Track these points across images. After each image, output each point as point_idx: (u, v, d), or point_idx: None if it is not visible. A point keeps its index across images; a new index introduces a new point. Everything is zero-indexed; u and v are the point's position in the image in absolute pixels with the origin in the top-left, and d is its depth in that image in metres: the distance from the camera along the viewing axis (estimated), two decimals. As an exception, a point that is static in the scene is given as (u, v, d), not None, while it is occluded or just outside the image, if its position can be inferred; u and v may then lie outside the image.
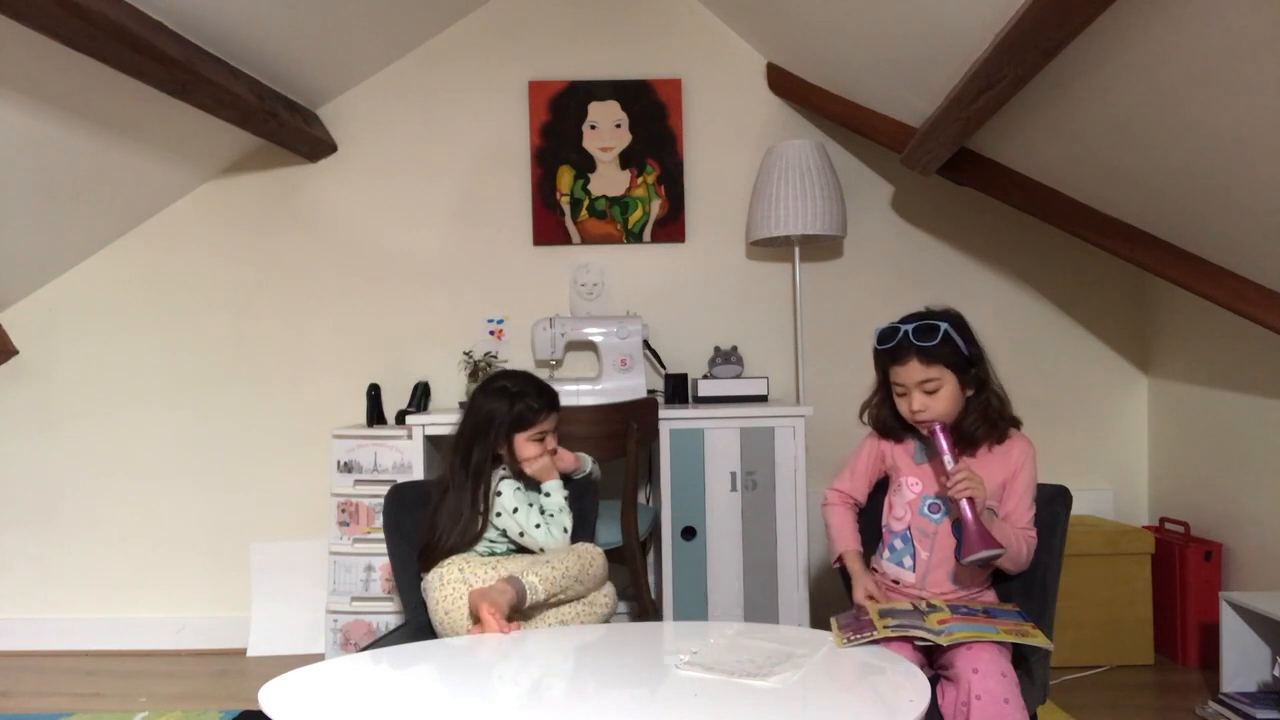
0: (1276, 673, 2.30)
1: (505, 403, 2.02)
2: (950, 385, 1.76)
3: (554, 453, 2.06)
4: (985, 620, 1.61)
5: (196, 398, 3.37)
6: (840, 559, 1.90)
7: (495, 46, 3.39)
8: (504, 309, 3.36)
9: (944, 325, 1.75)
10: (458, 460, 2.01)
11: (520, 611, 1.85)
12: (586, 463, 2.18)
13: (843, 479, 1.96)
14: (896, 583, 1.84)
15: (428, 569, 1.95)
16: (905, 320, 1.80)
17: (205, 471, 3.36)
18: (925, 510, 1.82)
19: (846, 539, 1.91)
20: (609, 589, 2.02)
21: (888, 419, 1.89)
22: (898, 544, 1.85)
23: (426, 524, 1.99)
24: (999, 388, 1.82)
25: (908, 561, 1.83)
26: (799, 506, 2.78)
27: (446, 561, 1.94)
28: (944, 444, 1.73)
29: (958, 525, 1.73)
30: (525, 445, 2.02)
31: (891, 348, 1.79)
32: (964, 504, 1.66)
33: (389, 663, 1.60)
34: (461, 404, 3.09)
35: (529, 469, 2.02)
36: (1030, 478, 1.79)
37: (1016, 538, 1.73)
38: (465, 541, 1.96)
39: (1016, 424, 1.83)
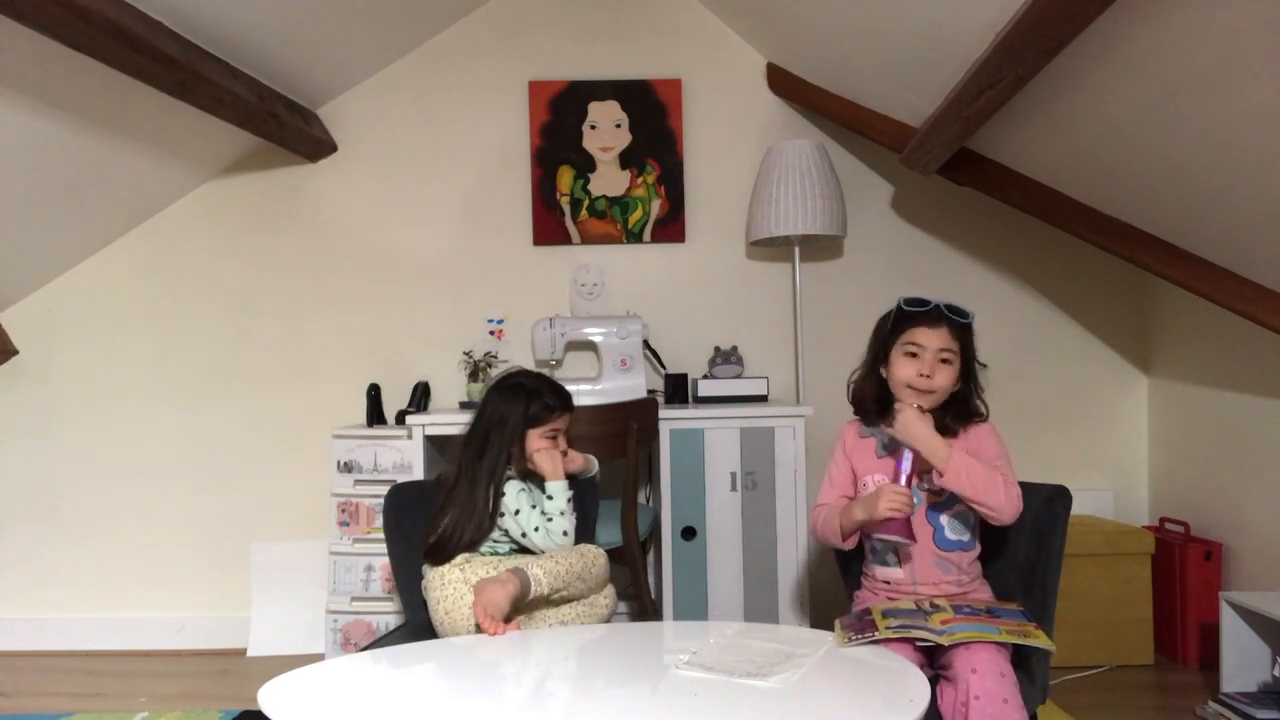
0: (1276, 673, 2.30)
1: (521, 399, 2.02)
2: (956, 368, 1.82)
3: (564, 454, 2.07)
4: (988, 620, 1.61)
5: (196, 398, 3.37)
6: (856, 529, 1.82)
7: (495, 46, 3.40)
8: (504, 309, 3.36)
9: (972, 314, 1.84)
10: (472, 455, 2.01)
11: (522, 607, 1.85)
12: (594, 465, 2.19)
13: (824, 493, 1.95)
14: (888, 583, 1.84)
15: (437, 565, 1.95)
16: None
17: (205, 471, 3.36)
18: None
19: (839, 510, 1.87)
20: (609, 590, 2.02)
21: (869, 395, 1.91)
22: (877, 544, 1.85)
23: (432, 520, 1.99)
24: (981, 392, 1.88)
25: (891, 559, 1.84)
26: (799, 506, 2.78)
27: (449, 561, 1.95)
28: (905, 464, 1.75)
29: (933, 511, 1.81)
30: (536, 440, 2.03)
31: (926, 311, 1.83)
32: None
33: (389, 663, 1.60)
34: (462, 404, 3.10)
35: (537, 458, 2.02)
36: (998, 448, 1.82)
37: (990, 473, 1.71)
38: (478, 539, 1.96)
39: (983, 416, 1.87)
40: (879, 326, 1.92)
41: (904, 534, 1.72)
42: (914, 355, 1.82)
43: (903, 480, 1.74)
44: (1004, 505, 1.71)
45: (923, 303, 1.84)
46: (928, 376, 1.79)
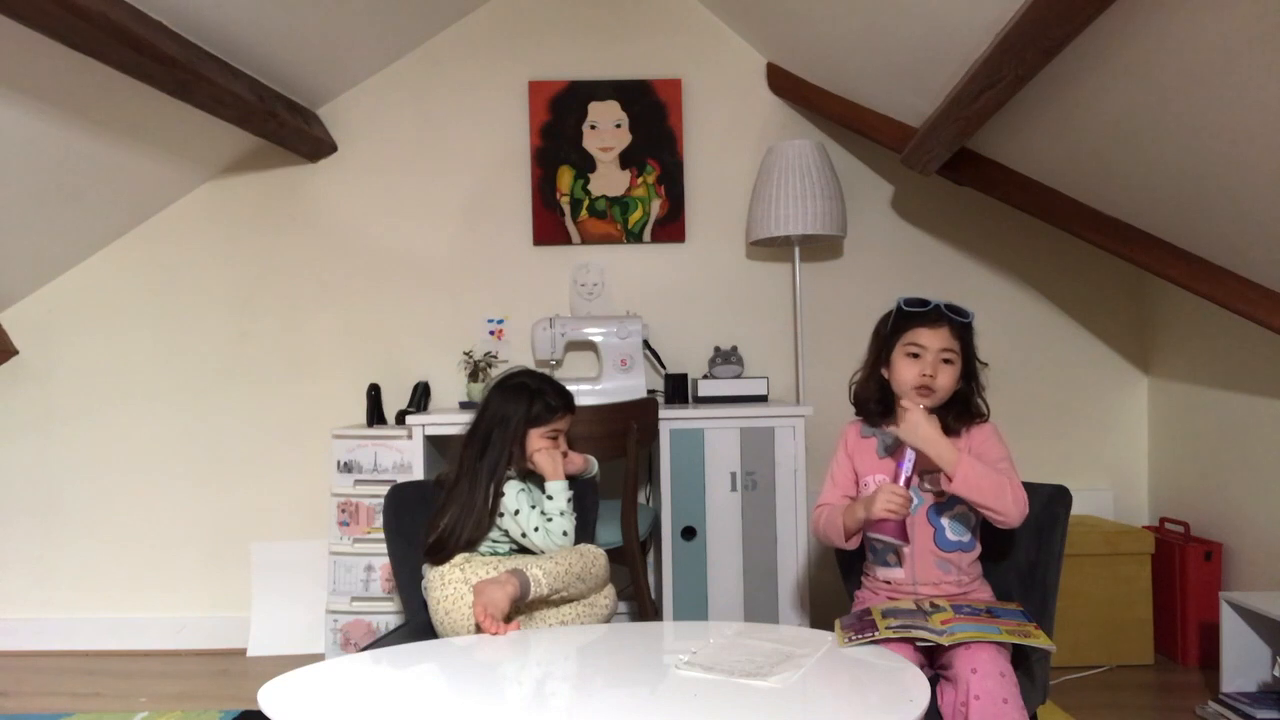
0: (1276, 673, 2.30)
1: (524, 398, 2.03)
2: (958, 367, 1.82)
3: (565, 455, 2.07)
4: (988, 620, 1.61)
5: (196, 397, 3.37)
6: (859, 528, 1.82)
7: (495, 46, 3.40)
8: (504, 309, 3.36)
9: (972, 313, 1.84)
10: (473, 454, 2.01)
11: (522, 608, 1.85)
12: (593, 466, 2.19)
13: (826, 493, 1.94)
14: (888, 583, 1.84)
15: (438, 564, 1.95)
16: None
17: (205, 471, 3.36)
18: None
19: (841, 509, 1.87)
20: (609, 590, 2.02)
21: (872, 396, 1.91)
22: (878, 544, 1.85)
23: (432, 519, 1.99)
24: (982, 391, 1.88)
25: (892, 559, 1.83)
26: (799, 506, 2.78)
27: (449, 561, 1.95)
28: (906, 465, 1.75)
29: (934, 511, 1.81)
30: (537, 439, 2.03)
31: (927, 311, 1.83)
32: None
33: (389, 663, 1.60)
34: (462, 404, 3.10)
35: (538, 458, 2.02)
36: (1001, 450, 1.82)
37: (997, 478, 1.71)
38: (478, 537, 1.97)
39: (984, 416, 1.87)
40: (879, 327, 1.91)
41: (897, 535, 1.72)
42: (915, 356, 1.81)
43: (902, 481, 1.74)
44: (1010, 510, 1.71)
45: (923, 303, 1.84)
46: (930, 376, 1.78)
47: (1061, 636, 2.63)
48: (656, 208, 3.37)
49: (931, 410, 1.80)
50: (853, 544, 1.86)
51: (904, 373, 1.82)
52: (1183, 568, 2.87)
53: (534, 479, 2.06)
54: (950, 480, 1.71)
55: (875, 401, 1.90)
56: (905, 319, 1.85)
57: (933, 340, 1.80)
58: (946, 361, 1.80)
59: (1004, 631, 1.56)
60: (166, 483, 3.36)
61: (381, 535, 2.33)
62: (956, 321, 1.82)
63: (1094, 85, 2.16)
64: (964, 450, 1.77)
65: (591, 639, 1.75)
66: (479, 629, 1.77)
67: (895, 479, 1.75)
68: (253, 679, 2.91)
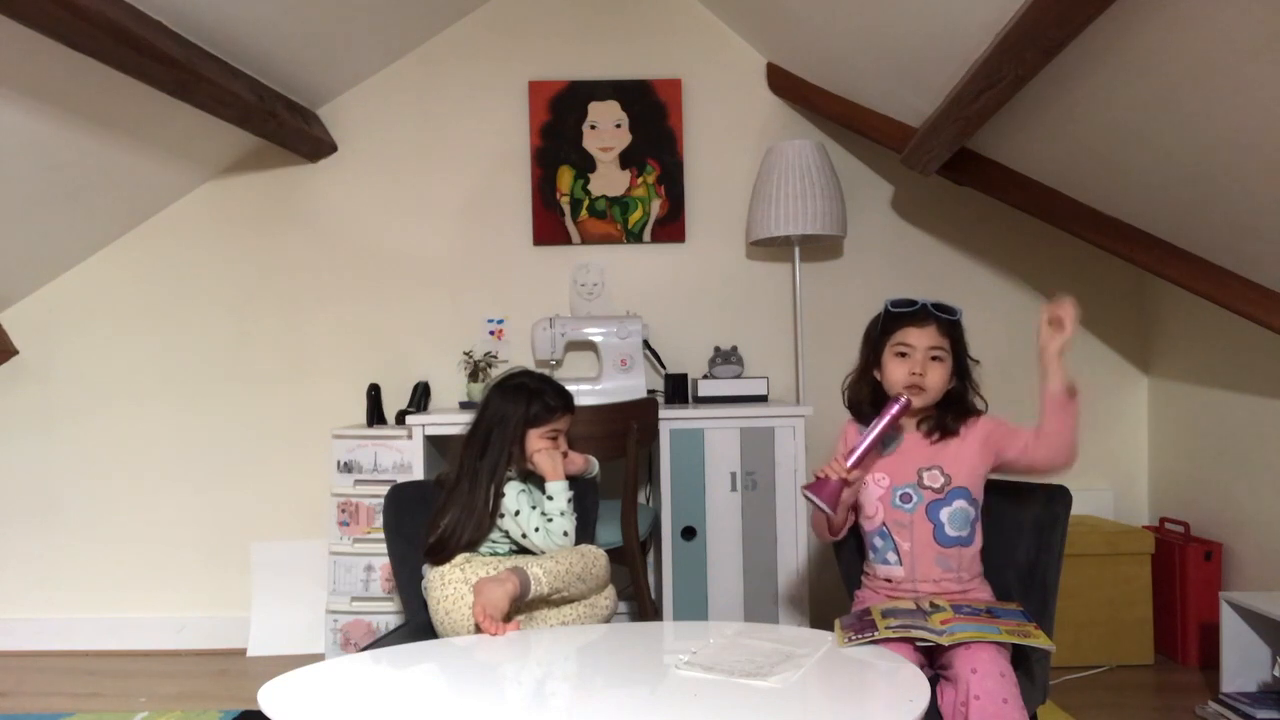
0: (1276, 673, 2.30)
1: (523, 399, 2.03)
2: (948, 365, 1.83)
3: (565, 455, 2.07)
4: (988, 620, 1.61)
5: (196, 397, 3.37)
6: (842, 519, 1.87)
7: (495, 46, 3.40)
8: (504, 309, 3.36)
9: (960, 310, 1.86)
10: (473, 454, 2.01)
11: (522, 607, 1.85)
12: (594, 466, 2.19)
13: None
14: (888, 581, 1.85)
15: (438, 564, 1.95)
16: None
17: (205, 471, 3.36)
18: (897, 501, 1.83)
19: None
20: (610, 590, 2.02)
21: (865, 398, 1.92)
22: (878, 542, 1.86)
23: (432, 519, 1.99)
24: (978, 388, 1.89)
25: (892, 557, 1.84)
26: (799, 506, 2.78)
27: (449, 561, 1.95)
28: (884, 420, 1.77)
29: (933, 508, 1.81)
30: (537, 440, 2.03)
31: (914, 311, 1.84)
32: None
33: (389, 663, 1.60)
34: (462, 404, 3.10)
35: (538, 458, 2.02)
36: (1014, 425, 1.83)
37: (1062, 427, 1.73)
38: (478, 537, 1.97)
39: (980, 411, 1.89)
40: (869, 330, 1.94)
41: (827, 500, 1.75)
42: (904, 355, 1.83)
43: (858, 454, 1.76)
44: (1069, 451, 1.73)
45: (909, 303, 1.86)
46: (919, 375, 1.80)
47: (1061, 636, 2.63)
48: (656, 208, 3.37)
49: (925, 407, 1.83)
50: (841, 532, 1.91)
51: (894, 373, 1.84)
52: (1183, 568, 2.87)
53: (534, 479, 2.06)
54: (1076, 393, 1.71)
55: (868, 403, 1.92)
56: (893, 320, 1.87)
57: (920, 339, 1.82)
58: (935, 359, 1.82)
59: (1004, 631, 1.57)
60: (166, 483, 3.36)
61: (381, 535, 2.33)
62: (944, 319, 1.84)
63: (1094, 85, 2.16)
64: (973, 442, 1.81)
65: (591, 639, 1.75)
66: (479, 629, 1.77)
67: (850, 452, 1.77)
68: (253, 679, 2.91)
